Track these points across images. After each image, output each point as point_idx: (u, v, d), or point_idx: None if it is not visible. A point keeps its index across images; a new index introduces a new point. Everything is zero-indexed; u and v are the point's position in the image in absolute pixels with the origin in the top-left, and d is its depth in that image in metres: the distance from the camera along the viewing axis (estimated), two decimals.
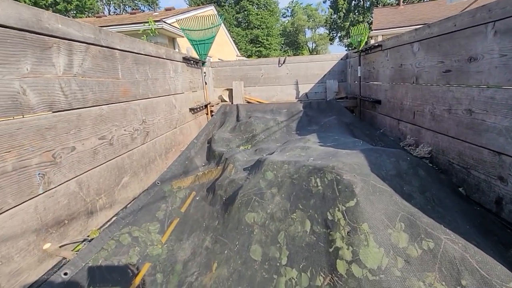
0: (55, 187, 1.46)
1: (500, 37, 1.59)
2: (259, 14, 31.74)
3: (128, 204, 2.07)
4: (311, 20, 46.30)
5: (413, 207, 1.41)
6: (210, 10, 14.62)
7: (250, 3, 31.52)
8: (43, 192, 1.38)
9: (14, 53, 1.28)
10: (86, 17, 21.54)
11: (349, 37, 6.87)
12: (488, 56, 1.68)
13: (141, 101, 2.41)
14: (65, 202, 1.52)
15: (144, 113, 2.43)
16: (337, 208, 1.42)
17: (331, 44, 45.09)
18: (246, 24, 32.31)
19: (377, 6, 26.05)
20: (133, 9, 31.62)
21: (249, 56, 28.54)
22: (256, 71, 5.10)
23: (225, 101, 4.99)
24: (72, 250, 1.51)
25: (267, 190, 1.80)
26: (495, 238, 1.41)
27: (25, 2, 17.57)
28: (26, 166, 1.30)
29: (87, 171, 1.70)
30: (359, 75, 4.16)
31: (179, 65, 3.42)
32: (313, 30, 47.84)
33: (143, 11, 29.72)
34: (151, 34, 8.42)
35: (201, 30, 4.10)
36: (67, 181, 1.54)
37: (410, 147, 2.60)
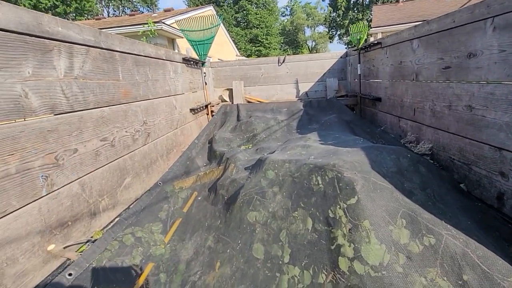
0: (58, 189, 1.47)
1: (499, 32, 1.59)
2: (258, 14, 31.72)
3: (131, 205, 2.08)
4: (310, 18, 46.24)
5: (414, 203, 1.41)
6: (209, 10, 14.65)
7: (249, 2, 31.51)
8: (47, 194, 1.40)
9: (16, 57, 1.29)
10: (85, 19, 21.58)
11: (349, 35, 6.86)
12: (487, 52, 1.68)
13: (142, 102, 2.42)
14: (69, 204, 1.53)
15: (145, 114, 2.44)
16: (338, 206, 1.43)
17: (330, 42, 45.07)
18: (245, 23, 32.30)
19: (376, 3, 25.97)
20: (132, 10, 31.65)
21: (248, 56, 28.53)
22: (256, 71, 5.10)
23: (226, 101, 5.00)
24: (76, 251, 1.52)
25: (269, 189, 1.80)
26: (497, 234, 1.41)
27: (24, 5, 17.63)
28: (29, 168, 1.32)
29: (90, 172, 1.71)
30: (359, 73, 4.16)
31: (179, 66, 3.42)
32: (313, 28, 47.83)
33: (142, 12, 29.75)
34: (151, 36, 8.44)
35: (200, 30, 4.11)
36: (70, 182, 1.55)
37: (411, 144, 2.60)
